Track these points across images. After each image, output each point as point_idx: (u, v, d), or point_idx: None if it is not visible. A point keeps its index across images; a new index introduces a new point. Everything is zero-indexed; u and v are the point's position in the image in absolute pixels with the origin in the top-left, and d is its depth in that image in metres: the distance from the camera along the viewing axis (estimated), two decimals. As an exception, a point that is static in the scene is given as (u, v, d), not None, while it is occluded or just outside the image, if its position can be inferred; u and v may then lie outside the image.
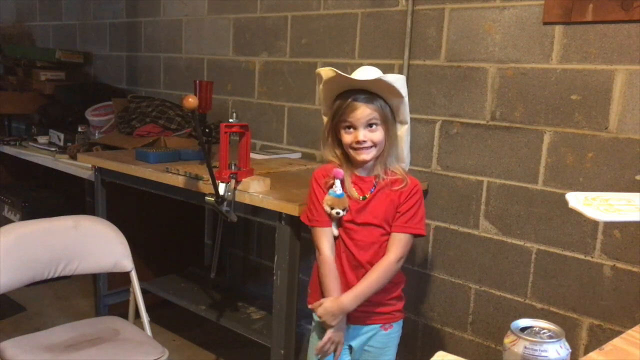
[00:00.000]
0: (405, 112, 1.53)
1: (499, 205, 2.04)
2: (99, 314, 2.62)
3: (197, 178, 1.98)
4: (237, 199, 1.85)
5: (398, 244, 1.52)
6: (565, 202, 1.09)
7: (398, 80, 1.46)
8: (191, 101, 1.59)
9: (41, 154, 3.08)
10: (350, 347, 1.63)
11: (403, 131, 1.56)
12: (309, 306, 1.60)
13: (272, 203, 1.78)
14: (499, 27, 1.98)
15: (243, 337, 2.21)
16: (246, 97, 2.85)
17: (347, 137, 1.49)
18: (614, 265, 1.82)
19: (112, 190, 2.48)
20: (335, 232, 1.55)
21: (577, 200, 1.07)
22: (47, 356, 1.63)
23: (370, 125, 1.47)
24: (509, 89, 1.97)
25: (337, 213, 1.50)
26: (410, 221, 1.53)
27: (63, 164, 2.85)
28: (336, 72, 1.45)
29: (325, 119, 1.59)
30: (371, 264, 1.53)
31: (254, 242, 2.96)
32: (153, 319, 1.91)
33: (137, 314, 1.91)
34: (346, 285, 1.54)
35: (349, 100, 1.47)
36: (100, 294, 2.59)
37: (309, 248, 2.65)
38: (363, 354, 1.63)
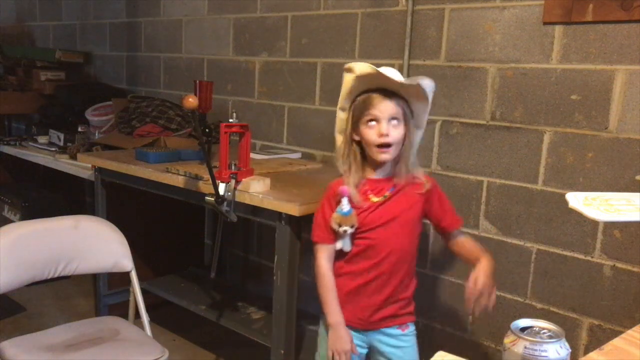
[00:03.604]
0: (425, 117, 1.55)
1: (499, 205, 2.04)
2: (99, 314, 2.61)
3: (197, 178, 1.98)
4: (237, 199, 1.85)
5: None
6: (565, 202, 1.09)
7: (432, 87, 1.49)
8: (191, 101, 1.59)
9: (41, 154, 3.08)
10: (367, 355, 1.62)
11: (417, 136, 1.57)
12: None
13: (272, 203, 1.78)
14: (499, 27, 1.98)
15: (243, 337, 2.21)
16: (246, 97, 2.85)
17: (370, 133, 1.46)
18: (614, 265, 1.82)
19: (112, 190, 2.48)
20: (348, 247, 1.53)
21: (577, 200, 1.07)
22: (47, 356, 1.63)
23: (394, 119, 1.46)
24: (509, 89, 1.97)
25: (345, 231, 1.49)
26: (455, 215, 1.62)
27: (63, 164, 2.85)
28: (375, 70, 1.44)
29: (341, 114, 1.55)
30: (399, 273, 1.53)
31: (254, 242, 2.96)
32: (153, 319, 1.91)
33: (137, 314, 1.91)
34: (368, 301, 1.54)
35: (376, 93, 1.46)
36: (100, 294, 2.59)
37: (309, 248, 2.65)
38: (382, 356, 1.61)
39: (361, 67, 1.46)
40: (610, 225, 1.81)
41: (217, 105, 2.78)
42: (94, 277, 2.73)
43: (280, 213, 1.78)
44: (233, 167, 1.86)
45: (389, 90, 1.47)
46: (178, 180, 2.04)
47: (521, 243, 2.00)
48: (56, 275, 1.83)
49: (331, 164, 2.45)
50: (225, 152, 1.83)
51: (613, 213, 1.04)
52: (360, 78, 1.47)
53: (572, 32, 1.83)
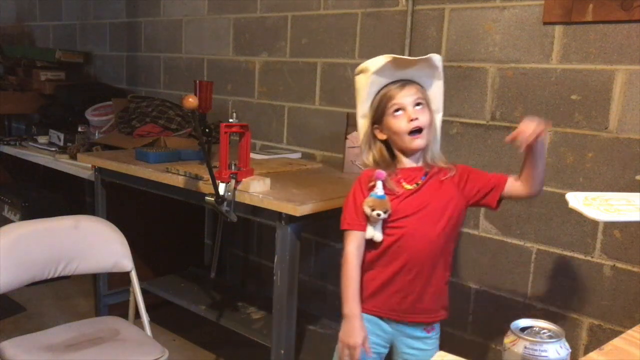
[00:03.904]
0: (441, 97, 1.53)
1: (499, 205, 2.03)
2: (99, 314, 2.61)
3: (197, 178, 1.98)
4: (237, 199, 1.85)
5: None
6: (565, 202, 1.09)
7: (440, 61, 1.49)
8: (191, 101, 1.59)
9: (41, 154, 3.08)
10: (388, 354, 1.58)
11: (438, 120, 1.55)
12: None
13: (272, 203, 1.78)
14: (499, 27, 1.98)
15: (243, 337, 2.21)
16: (246, 97, 2.85)
17: (398, 122, 1.45)
18: (614, 265, 1.82)
19: (112, 190, 2.48)
20: (379, 236, 1.46)
21: (577, 200, 1.07)
22: (47, 356, 1.63)
23: (418, 104, 1.45)
24: (509, 89, 1.97)
25: (378, 215, 1.42)
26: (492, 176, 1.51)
27: (63, 164, 2.85)
28: (391, 56, 1.43)
29: (362, 122, 1.53)
30: (433, 264, 1.47)
31: (254, 242, 2.96)
32: (153, 319, 1.91)
33: (137, 314, 1.91)
34: (401, 292, 1.48)
35: (393, 84, 1.46)
36: (100, 294, 2.59)
37: (309, 248, 2.65)
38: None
39: (376, 63, 1.44)
40: (610, 225, 1.81)
41: (217, 105, 2.78)
42: (94, 277, 2.73)
43: (280, 213, 1.78)
44: (233, 167, 1.86)
45: (403, 80, 1.47)
46: (178, 180, 2.04)
47: (521, 243, 2.00)
48: (56, 275, 1.83)
49: (331, 164, 2.45)
50: (225, 152, 1.83)
51: (613, 213, 1.04)
52: (377, 73, 1.46)
53: (572, 32, 1.83)
